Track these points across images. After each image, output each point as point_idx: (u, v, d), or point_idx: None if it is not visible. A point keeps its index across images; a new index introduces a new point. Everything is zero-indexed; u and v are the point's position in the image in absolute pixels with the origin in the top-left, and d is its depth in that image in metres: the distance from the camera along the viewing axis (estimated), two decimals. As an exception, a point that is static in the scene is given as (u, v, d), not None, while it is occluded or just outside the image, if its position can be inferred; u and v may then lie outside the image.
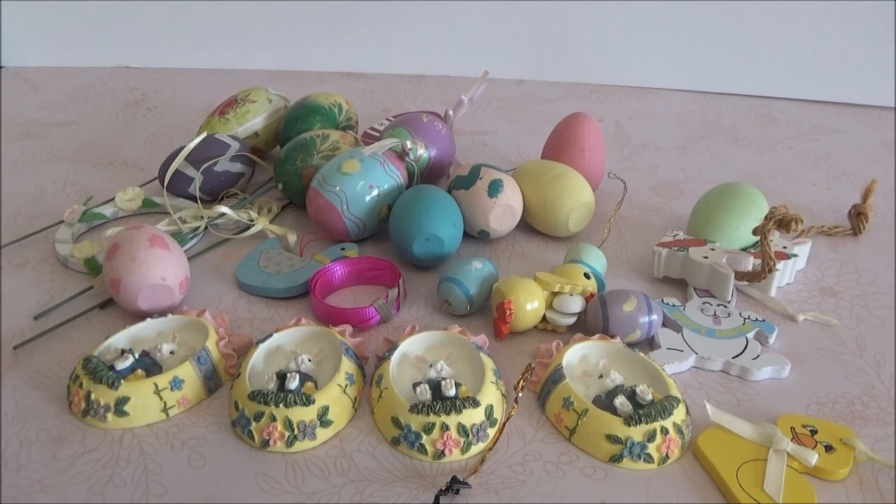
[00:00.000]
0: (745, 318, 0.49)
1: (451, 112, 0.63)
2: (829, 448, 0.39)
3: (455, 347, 0.45)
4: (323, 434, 0.40)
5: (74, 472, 0.38)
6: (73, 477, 0.38)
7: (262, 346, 0.44)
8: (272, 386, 0.41)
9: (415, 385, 0.42)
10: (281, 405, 0.39)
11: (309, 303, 0.50)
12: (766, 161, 0.71)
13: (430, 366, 0.43)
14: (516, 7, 0.84)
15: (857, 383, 0.45)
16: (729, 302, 0.50)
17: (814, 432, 0.40)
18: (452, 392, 0.41)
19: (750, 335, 0.47)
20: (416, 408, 0.40)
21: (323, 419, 0.40)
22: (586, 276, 0.49)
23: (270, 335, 0.45)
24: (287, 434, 0.39)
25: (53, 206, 0.61)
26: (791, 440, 0.39)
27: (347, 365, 0.42)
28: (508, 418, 0.40)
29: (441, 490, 0.37)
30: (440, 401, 0.40)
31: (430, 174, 0.61)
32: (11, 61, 0.90)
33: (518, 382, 0.41)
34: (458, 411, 0.39)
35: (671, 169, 0.70)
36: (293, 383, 0.41)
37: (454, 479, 0.37)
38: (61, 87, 0.85)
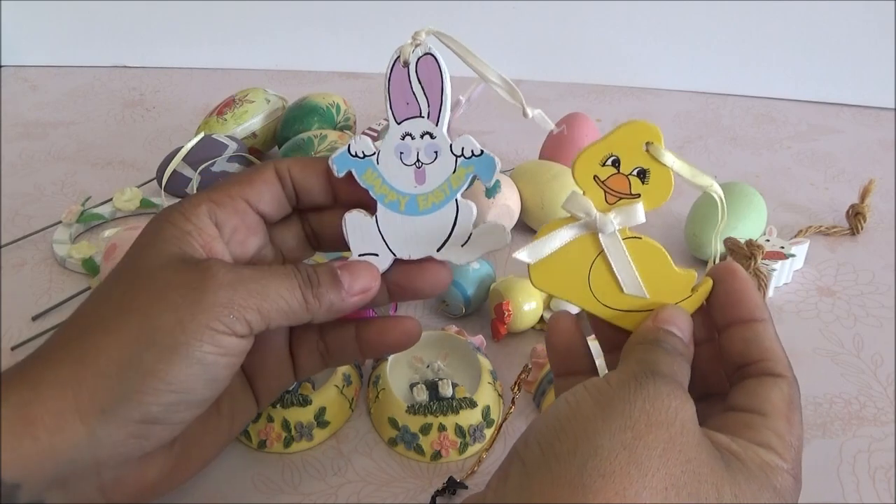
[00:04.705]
0: (457, 157, 0.32)
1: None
2: (642, 173, 0.28)
3: (452, 348, 0.45)
4: (320, 435, 0.40)
5: (71, 472, 0.38)
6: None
7: (259, 347, 0.44)
8: (269, 386, 0.41)
9: (412, 386, 0.42)
10: (278, 406, 0.39)
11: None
12: (764, 161, 0.71)
13: (427, 366, 0.43)
14: (515, 7, 0.84)
15: (855, 383, 0.45)
16: (438, 122, 0.33)
17: (616, 163, 0.28)
18: (449, 393, 0.41)
19: (460, 193, 0.32)
20: (413, 408, 0.40)
21: (320, 420, 0.40)
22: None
23: (268, 336, 0.45)
24: (284, 435, 0.39)
25: (51, 207, 0.61)
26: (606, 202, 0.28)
27: (344, 366, 0.42)
28: (505, 419, 0.40)
29: (438, 491, 0.37)
30: (437, 401, 0.40)
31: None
32: (9, 60, 0.90)
33: (515, 383, 0.41)
34: (455, 412, 0.39)
35: (669, 169, 0.69)
36: (290, 384, 0.41)
37: (451, 480, 0.37)
38: (59, 86, 0.85)
